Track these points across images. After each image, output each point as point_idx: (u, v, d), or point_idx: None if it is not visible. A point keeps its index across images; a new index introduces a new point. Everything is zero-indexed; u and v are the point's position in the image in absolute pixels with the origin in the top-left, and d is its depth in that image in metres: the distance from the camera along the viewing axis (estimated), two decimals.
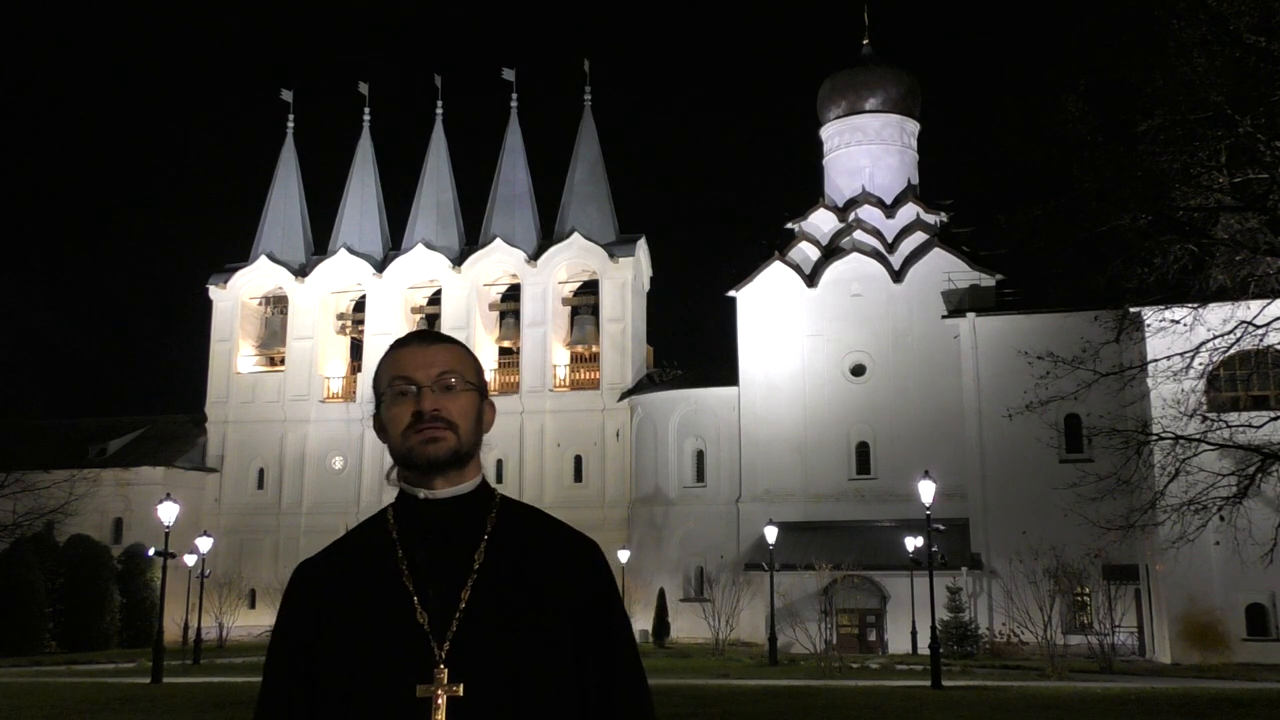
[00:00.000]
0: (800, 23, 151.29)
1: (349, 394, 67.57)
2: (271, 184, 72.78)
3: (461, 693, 2.31)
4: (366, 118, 72.96)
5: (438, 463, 2.46)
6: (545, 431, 62.51)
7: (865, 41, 64.38)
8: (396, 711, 2.31)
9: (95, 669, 40.85)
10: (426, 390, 2.47)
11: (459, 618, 2.38)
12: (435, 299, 68.24)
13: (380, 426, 2.54)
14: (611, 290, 64.89)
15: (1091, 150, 19.34)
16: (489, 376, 58.78)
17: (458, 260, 67.26)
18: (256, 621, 61.57)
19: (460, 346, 2.59)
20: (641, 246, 66.75)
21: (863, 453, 55.41)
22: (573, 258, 65.89)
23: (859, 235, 58.27)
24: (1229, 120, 18.23)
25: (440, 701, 2.30)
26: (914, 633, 45.41)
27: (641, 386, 62.09)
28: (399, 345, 2.58)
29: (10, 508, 46.30)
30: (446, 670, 2.33)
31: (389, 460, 2.58)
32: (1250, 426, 25.45)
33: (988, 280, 55.25)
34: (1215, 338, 20.87)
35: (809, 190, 64.12)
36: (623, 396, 61.69)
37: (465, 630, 2.37)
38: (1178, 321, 22.41)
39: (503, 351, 67.57)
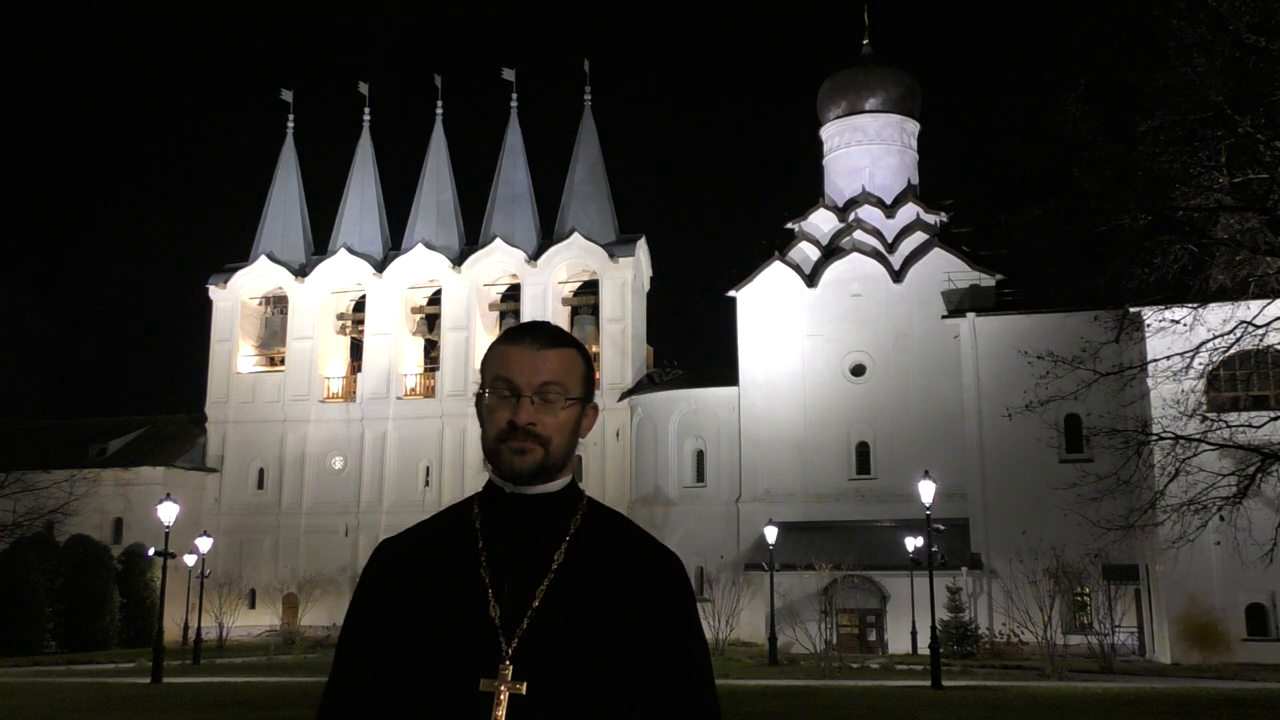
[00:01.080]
0: (800, 23, 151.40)
1: (349, 394, 67.54)
2: (271, 184, 72.77)
3: (525, 691, 2.29)
4: (366, 118, 73.03)
5: (521, 476, 2.45)
6: None
7: (865, 41, 64.38)
8: (458, 702, 2.30)
9: (95, 669, 40.86)
10: (525, 401, 2.43)
11: (531, 615, 2.37)
12: (435, 299, 68.25)
13: (480, 413, 2.52)
14: (611, 290, 64.90)
15: (1091, 150, 19.33)
16: None
17: (458, 260, 67.26)
18: (256, 621, 61.63)
19: (573, 351, 2.52)
20: (641, 246, 66.75)
21: (863, 453, 55.39)
22: (573, 258, 65.90)
23: (859, 235, 58.25)
24: (1229, 120, 18.22)
25: (503, 697, 2.29)
26: (914, 633, 45.42)
27: (641, 386, 62.09)
28: (512, 339, 2.52)
29: (10, 508, 46.30)
30: (512, 667, 2.32)
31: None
32: (1250, 426, 25.44)
33: (988, 280, 55.23)
34: (1215, 338, 20.87)
35: (809, 190, 64.15)
36: (623, 396, 61.69)
37: (536, 628, 2.36)
38: (1178, 321, 22.40)
39: None
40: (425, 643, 2.38)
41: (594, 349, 65.13)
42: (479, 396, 2.53)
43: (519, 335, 2.52)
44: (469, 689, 2.30)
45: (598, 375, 63.68)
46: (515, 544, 2.45)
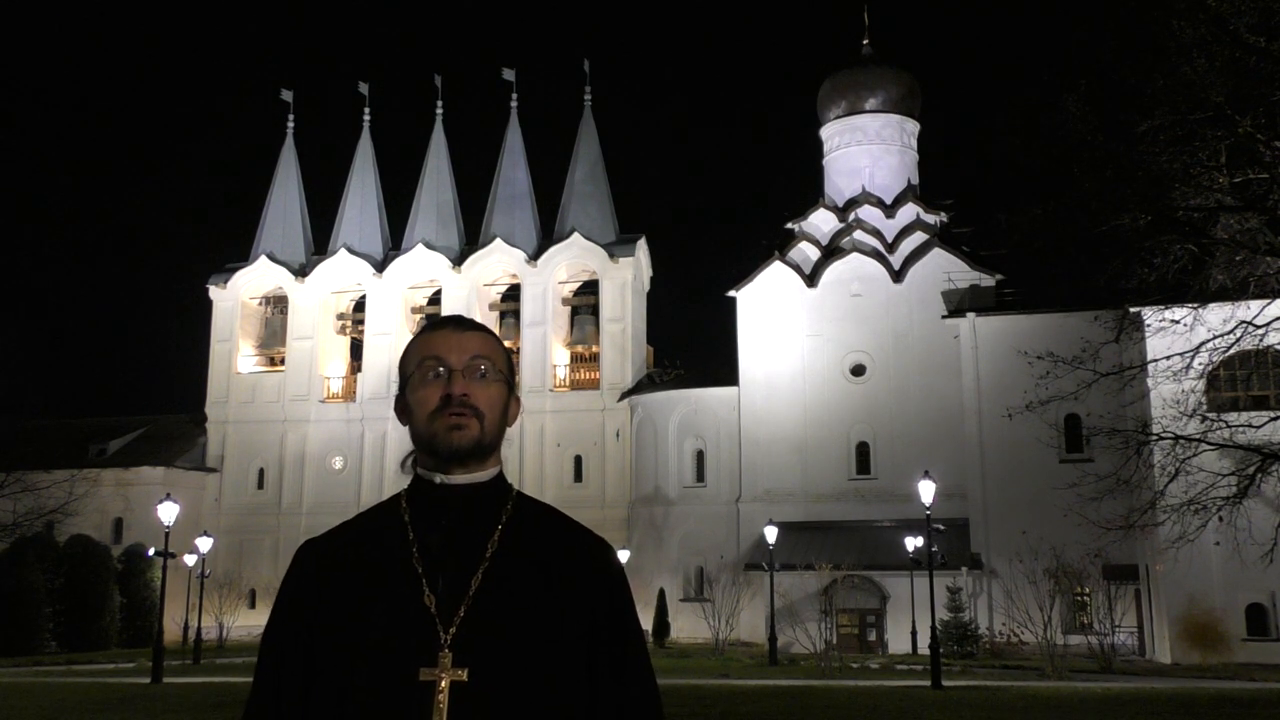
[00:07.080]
0: (800, 23, 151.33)
1: (349, 394, 67.56)
2: (271, 184, 72.76)
3: (466, 678, 2.29)
4: (366, 118, 73.02)
5: (460, 452, 2.45)
6: (545, 431, 62.49)
7: (865, 41, 64.39)
8: (399, 693, 2.30)
9: (95, 669, 40.84)
10: (457, 374, 2.46)
11: (467, 604, 2.36)
12: (435, 299, 68.23)
13: (403, 409, 2.52)
14: (611, 290, 64.88)
15: (1091, 150, 19.34)
16: None
17: (458, 260, 67.26)
18: (256, 621, 61.54)
19: (493, 335, 2.58)
20: (641, 246, 66.74)
21: (863, 453, 55.39)
22: (573, 258, 65.89)
23: (859, 235, 58.27)
24: (1229, 120, 18.23)
25: (444, 685, 2.28)
26: (914, 633, 45.42)
27: (641, 386, 62.07)
28: (432, 327, 2.56)
29: (10, 508, 46.28)
30: (451, 654, 2.31)
31: (404, 448, 2.57)
32: (1250, 426, 25.46)
33: (988, 280, 55.22)
34: (1215, 338, 20.88)
35: (809, 190, 64.13)
36: (623, 396, 61.68)
37: (473, 616, 2.35)
38: (1178, 321, 22.42)
39: None
40: (362, 636, 2.36)
41: (594, 349, 65.22)
42: (400, 395, 2.53)
43: (439, 323, 2.57)
44: (410, 679, 2.29)
45: (597, 375, 63.75)
46: (447, 535, 2.44)
